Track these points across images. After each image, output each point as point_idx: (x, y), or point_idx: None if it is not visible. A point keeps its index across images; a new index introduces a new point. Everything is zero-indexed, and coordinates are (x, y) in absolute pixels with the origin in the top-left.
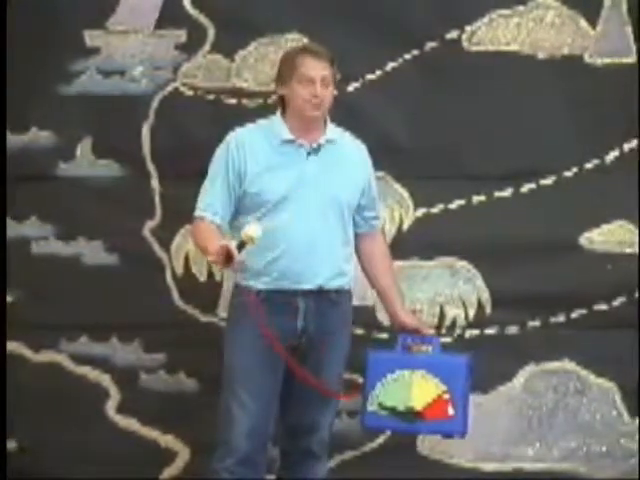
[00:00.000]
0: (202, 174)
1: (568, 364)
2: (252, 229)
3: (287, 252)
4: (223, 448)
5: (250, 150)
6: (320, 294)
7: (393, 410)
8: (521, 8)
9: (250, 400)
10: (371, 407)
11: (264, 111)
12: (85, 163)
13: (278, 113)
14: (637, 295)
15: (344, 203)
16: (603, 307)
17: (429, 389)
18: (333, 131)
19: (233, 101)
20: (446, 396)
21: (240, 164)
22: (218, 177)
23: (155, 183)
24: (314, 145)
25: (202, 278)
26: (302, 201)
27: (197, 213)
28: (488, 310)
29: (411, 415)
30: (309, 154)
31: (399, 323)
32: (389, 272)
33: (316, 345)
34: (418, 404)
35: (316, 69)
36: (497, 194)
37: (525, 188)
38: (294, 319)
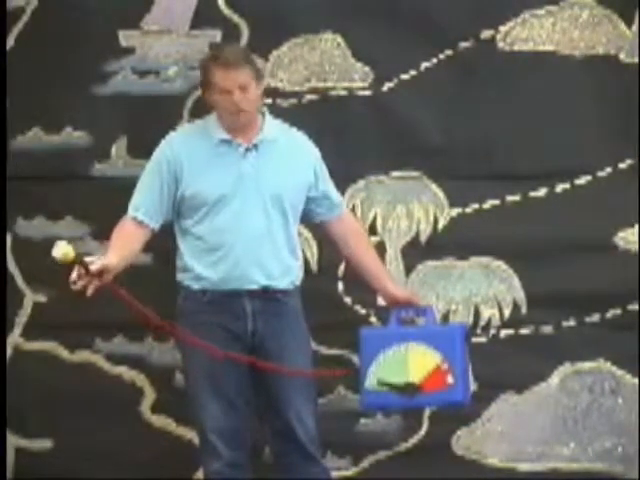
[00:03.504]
0: None
1: (603, 364)
2: (55, 250)
3: (231, 252)
4: (204, 451)
5: (186, 151)
6: (266, 294)
7: (392, 386)
8: (555, 7)
9: (211, 401)
10: (369, 386)
11: (299, 111)
12: (120, 163)
13: (215, 113)
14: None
15: (286, 200)
16: (638, 307)
17: (426, 361)
18: (273, 129)
19: (268, 101)
20: (444, 366)
21: (176, 165)
22: (153, 177)
23: None
24: (251, 144)
25: None
26: (242, 200)
27: (131, 211)
28: (523, 310)
29: (410, 389)
30: (246, 152)
31: (390, 298)
32: (368, 249)
33: (272, 344)
34: (416, 377)
35: (230, 79)
36: (532, 194)
37: (560, 188)
38: (243, 321)
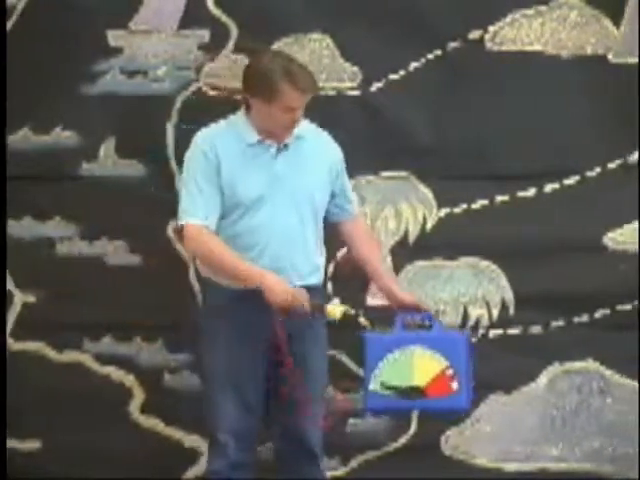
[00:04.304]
0: None
1: (592, 364)
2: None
3: (264, 252)
4: (210, 449)
5: (222, 151)
6: None
7: (396, 389)
8: (544, 8)
9: (229, 403)
10: (373, 388)
11: None
12: (109, 163)
13: (242, 112)
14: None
15: (317, 198)
16: (627, 307)
17: (431, 365)
18: (302, 127)
19: None
20: (449, 371)
21: (215, 162)
22: (201, 178)
23: (179, 183)
24: (282, 144)
25: None
26: (276, 200)
27: (192, 220)
28: (511, 310)
29: (414, 393)
30: (278, 153)
31: (396, 301)
32: (376, 252)
33: (297, 341)
34: (421, 381)
35: (299, 102)
36: (520, 194)
37: (549, 188)
38: (270, 317)
